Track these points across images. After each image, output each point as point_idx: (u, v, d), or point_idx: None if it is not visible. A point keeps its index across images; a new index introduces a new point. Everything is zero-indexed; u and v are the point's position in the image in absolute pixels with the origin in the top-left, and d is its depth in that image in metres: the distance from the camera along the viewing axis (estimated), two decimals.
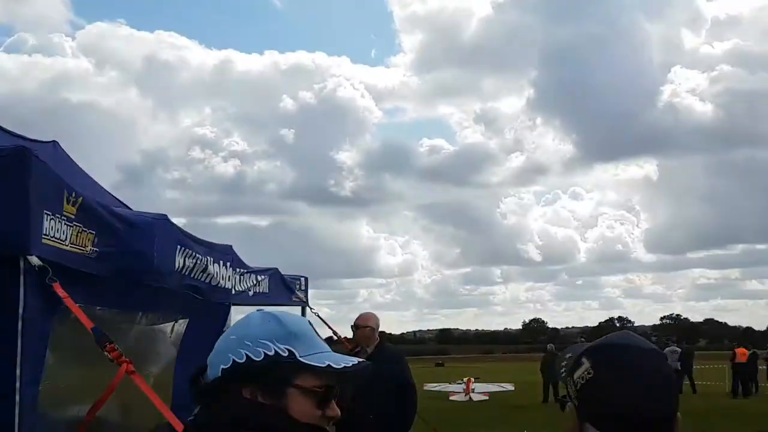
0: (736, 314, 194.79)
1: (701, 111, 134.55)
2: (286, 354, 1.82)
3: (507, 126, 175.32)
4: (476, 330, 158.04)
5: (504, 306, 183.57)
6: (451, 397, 26.77)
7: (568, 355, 1.78)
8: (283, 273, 8.89)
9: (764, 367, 32.12)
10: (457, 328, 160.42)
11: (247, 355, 1.82)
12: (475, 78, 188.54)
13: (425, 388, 28.72)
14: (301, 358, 1.83)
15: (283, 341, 1.84)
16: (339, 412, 1.89)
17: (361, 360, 1.89)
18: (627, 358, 1.61)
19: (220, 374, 1.83)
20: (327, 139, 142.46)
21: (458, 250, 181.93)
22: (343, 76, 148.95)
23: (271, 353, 1.82)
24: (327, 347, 1.91)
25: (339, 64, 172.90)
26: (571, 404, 1.65)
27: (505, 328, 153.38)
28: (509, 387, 27.98)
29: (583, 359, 1.64)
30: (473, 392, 26.71)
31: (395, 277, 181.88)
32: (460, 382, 28.86)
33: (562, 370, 1.75)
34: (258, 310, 1.97)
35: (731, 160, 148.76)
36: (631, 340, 1.67)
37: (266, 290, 7.82)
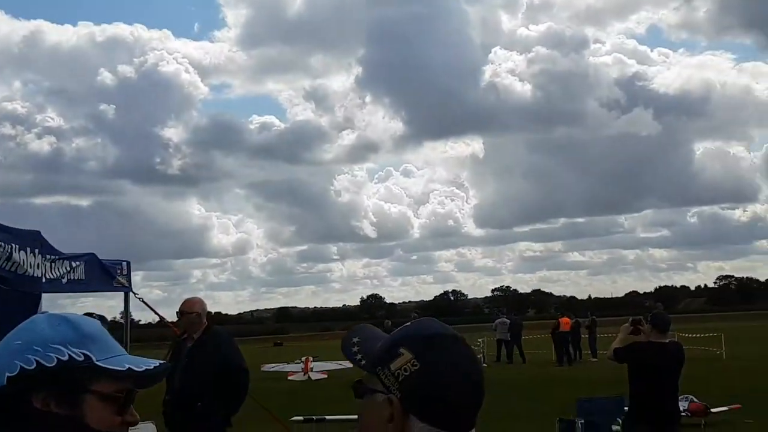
0: (561, 285, 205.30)
1: (521, 91, 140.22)
2: (81, 359, 1.69)
3: (337, 103, 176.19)
4: (315, 308, 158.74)
5: (341, 283, 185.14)
6: (289, 377, 26.64)
7: (355, 339, 1.69)
8: (107, 256, 8.45)
9: (586, 335, 33.80)
10: (296, 307, 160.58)
11: (37, 361, 1.67)
12: (302, 55, 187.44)
13: (263, 369, 28.48)
14: (98, 363, 1.70)
15: (77, 345, 1.70)
16: (138, 417, 1.77)
17: (162, 361, 1.78)
18: (450, 347, 1.57)
19: (5, 383, 1.66)
20: (151, 116, 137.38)
21: (293, 228, 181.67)
22: (165, 50, 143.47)
23: (65, 358, 1.68)
24: (123, 350, 1.79)
25: (160, 38, 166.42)
26: (389, 396, 1.55)
27: (344, 305, 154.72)
28: (348, 365, 28.11)
29: (402, 350, 1.56)
30: (312, 371, 26.66)
31: (230, 256, 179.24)
32: (298, 361, 28.76)
33: (358, 356, 1.66)
34: (42, 313, 1.82)
35: (550, 138, 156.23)
36: (442, 328, 1.63)
37: (82, 277, 7.37)
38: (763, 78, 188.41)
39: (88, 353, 1.70)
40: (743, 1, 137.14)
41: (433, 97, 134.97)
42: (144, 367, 1.74)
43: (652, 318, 8.50)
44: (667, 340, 8.43)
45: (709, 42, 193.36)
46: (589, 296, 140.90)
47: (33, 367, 1.66)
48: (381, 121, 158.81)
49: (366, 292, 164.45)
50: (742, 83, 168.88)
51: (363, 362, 1.65)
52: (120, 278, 8.54)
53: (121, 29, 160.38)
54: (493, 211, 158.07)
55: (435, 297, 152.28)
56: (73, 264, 7.09)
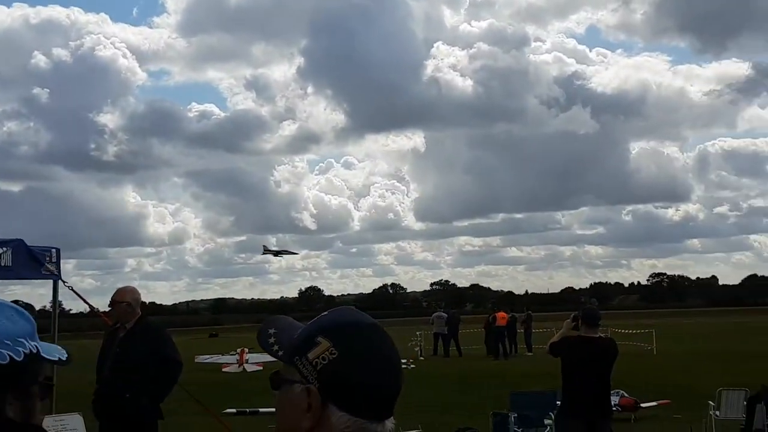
0: (498, 279, 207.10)
1: (462, 86, 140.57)
2: (36, 351, 1.74)
3: (278, 93, 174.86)
4: (252, 299, 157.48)
5: (280, 274, 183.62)
6: (224, 369, 26.45)
7: (272, 330, 1.67)
8: (38, 243, 8.22)
9: (522, 330, 34.13)
10: (233, 298, 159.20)
11: (9, 356, 1.69)
12: (244, 43, 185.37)
13: (197, 360, 28.24)
14: (43, 354, 1.76)
15: (33, 338, 1.76)
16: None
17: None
18: (368, 335, 1.57)
19: None
20: (86, 101, 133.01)
21: (232, 218, 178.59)
22: (102, 35, 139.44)
23: (28, 352, 1.72)
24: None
25: (97, 22, 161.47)
26: (307, 386, 1.54)
27: (282, 297, 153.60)
28: None
29: (319, 338, 1.55)
30: (247, 363, 26.48)
31: (165, 245, 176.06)
32: (233, 353, 28.56)
33: (275, 347, 1.65)
34: None
35: (490, 133, 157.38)
36: (360, 316, 1.62)
37: (9, 263, 7.17)
38: (696, 80, 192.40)
39: (38, 345, 1.74)
40: (679, 4, 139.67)
41: (376, 90, 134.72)
42: (61, 357, 1.77)
43: (582, 313, 8.62)
44: (597, 335, 8.53)
45: (645, 44, 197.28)
46: (526, 291, 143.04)
47: (6, 362, 1.67)
48: (322, 112, 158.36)
49: (305, 284, 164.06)
50: (677, 85, 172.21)
51: (280, 353, 1.62)
52: (49, 265, 8.31)
53: (57, 12, 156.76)
54: (433, 205, 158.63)
55: (374, 290, 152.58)
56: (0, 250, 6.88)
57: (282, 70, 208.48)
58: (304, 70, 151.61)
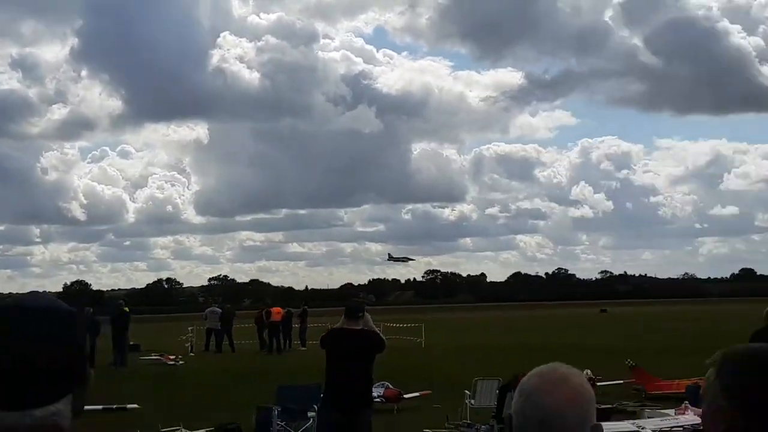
0: (279, 275, 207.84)
1: (249, 78, 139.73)
2: None
3: (48, 75, 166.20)
4: (9, 293, 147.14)
5: (43, 267, 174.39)
6: None
7: None
8: None
9: (297, 325, 34.25)
10: None
11: None
12: (10, 19, 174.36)
13: None
14: None
15: None
16: None
17: None
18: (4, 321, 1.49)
19: None
20: None
21: None
22: None
23: None
24: None
25: None
26: None
27: (44, 291, 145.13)
28: None
29: None
30: None
31: None
32: None
33: None
34: None
35: (276, 128, 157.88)
36: (14, 300, 1.57)
37: None
38: (475, 86, 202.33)
39: None
40: (462, 12, 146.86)
41: (157, 77, 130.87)
42: None
43: (345, 306, 8.77)
44: (360, 327, 8.66)
45: (430, 48, 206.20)
46: (306, 287, 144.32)
47: None
48: (98, 97, 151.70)
49: (71, 278, 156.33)
50: (457, 90, 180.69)
51: None
52: None
53: None
54: (214, 198, 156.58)
55: (148, 285, 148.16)
56: None
57: (53, 51, 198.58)
58: (78, 51, 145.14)
